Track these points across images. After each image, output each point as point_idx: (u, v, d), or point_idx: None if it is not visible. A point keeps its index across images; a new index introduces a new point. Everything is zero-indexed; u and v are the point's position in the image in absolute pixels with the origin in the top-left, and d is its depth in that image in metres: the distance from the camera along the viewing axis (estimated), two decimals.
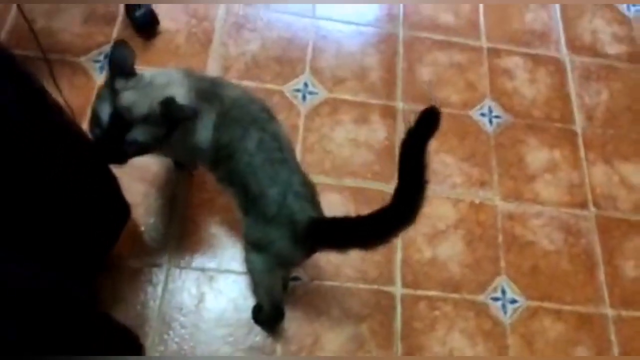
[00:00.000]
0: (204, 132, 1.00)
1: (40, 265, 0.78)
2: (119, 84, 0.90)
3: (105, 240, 1.06)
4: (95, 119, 0.91)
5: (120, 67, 0.91)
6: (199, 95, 1.00)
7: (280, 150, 1.00)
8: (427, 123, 0.81)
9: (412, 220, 0.88)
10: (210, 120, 1.00)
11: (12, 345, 0.69)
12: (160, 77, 0.96)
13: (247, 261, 1.07)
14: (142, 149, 0.93)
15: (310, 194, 1.01)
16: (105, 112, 0.89)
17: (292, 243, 0.97)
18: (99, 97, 0.92)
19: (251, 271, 1.10)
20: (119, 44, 0.92)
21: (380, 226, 0.91)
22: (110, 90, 0.90)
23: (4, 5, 1.48)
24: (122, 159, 0.94)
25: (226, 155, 0.99)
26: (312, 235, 0.97)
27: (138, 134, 0.91)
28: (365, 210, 1.40)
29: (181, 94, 0.95)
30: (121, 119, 0.90)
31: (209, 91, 1.02)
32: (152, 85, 0.93)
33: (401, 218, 0.88)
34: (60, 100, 0.95)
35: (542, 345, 1.26)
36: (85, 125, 1.35)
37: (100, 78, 1.42)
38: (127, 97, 0.90)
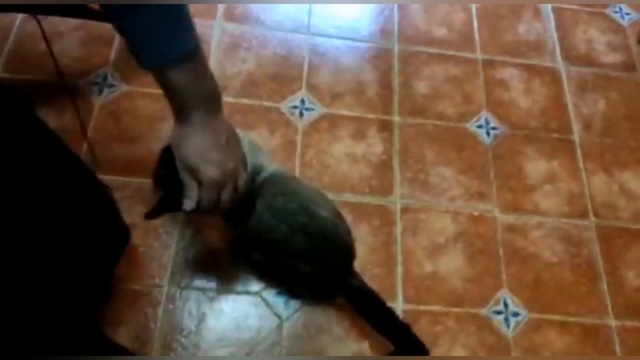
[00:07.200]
0: None
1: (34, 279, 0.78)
2: None
3: (104, 265, 1.06)
4: None
5: None
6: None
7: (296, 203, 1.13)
8: None
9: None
10: None
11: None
12: None
13: None
14: None
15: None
16: None
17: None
18: None
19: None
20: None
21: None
22: None
23: (4, 31, 1.50)
24: None
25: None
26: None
27: None
28: (363, 225, 1.39)
29: None
30: None
31: None
32: None
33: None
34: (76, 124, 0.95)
35: None
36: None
37: (97, 100, 1.43)
38: None
